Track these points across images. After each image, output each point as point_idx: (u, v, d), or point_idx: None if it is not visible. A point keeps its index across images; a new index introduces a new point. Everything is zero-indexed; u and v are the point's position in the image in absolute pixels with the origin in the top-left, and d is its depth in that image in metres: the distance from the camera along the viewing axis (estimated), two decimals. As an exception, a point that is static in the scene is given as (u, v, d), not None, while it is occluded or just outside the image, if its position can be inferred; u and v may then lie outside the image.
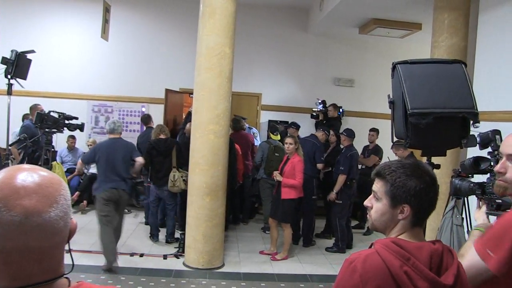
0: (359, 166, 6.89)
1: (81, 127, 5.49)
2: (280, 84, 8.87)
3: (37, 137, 5.65)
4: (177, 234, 5.99)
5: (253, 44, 8.57)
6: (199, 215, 5.13)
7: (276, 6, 8.62)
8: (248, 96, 8.77)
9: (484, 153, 2.61)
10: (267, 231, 6.66)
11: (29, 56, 5.54)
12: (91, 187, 6.29)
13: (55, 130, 5.30)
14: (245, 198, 7.53)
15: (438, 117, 2.40)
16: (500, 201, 2.11)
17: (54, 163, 5.91)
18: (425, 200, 1.39)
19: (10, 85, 5.31)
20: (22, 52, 5.40)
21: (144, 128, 7.45)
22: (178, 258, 5.47)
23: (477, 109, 2.45)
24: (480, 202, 2.23)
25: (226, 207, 5.48)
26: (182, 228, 5.61)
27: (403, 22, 7.34)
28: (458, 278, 1.36)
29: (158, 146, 5.88)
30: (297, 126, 7.24)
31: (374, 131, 7.36)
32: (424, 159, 2.76)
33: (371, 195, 1.47)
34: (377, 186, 1.45)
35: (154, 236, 6.11)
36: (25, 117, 7.09)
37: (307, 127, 7.96)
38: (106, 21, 7.43)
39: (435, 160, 2.72)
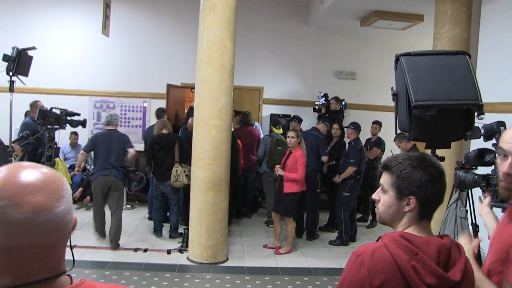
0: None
1: (83, 123, 5.50)
2: (281, 78, 8.84)
3: (39, 134, 5.66)
4: (181, 229, 6.01)
5: (254, 38, 8.54)
6: (203, 210, 5.14)
7: (276, -1, 8.58)
8: (249, 90, 8.74)
9: (488, 144, 2.60)
10: (270, 225, 6.66)
11: (30, 52, 5.53)
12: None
13: (57, 126, 5.30)
14: (248, 192, 7.53)
15: (442, 109, 2.39)
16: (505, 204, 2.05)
17: (57, 159, 5.90)
18: (431, 192, 1.38)
19: (12, 82, 5.32)
20: (23, 49, 5.40)
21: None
22: (182, 253, 5.49)
23: (481, 101, 2.43)
24: (484, 195, 2.21)
25: (229, 202, 5.49)
26: (186, 223, 5.62)
27: (404, 14, 7.29)
28: (465, 274, 1.35)
29: (160, 141, 5.90)
30: (299, 120, 7.22)
31: (377, 123, 7.33)
32: (429, 152, 2.75)
33: (379, 188, 1.47)
34: (384, 178, 1.45)
35: (157, 231, 6.12)
36: (27, 114, 7.09)
37: (309, 121, 7.93)
38: (106, 17, 7.40)
39: (439, 152, 2.71)
